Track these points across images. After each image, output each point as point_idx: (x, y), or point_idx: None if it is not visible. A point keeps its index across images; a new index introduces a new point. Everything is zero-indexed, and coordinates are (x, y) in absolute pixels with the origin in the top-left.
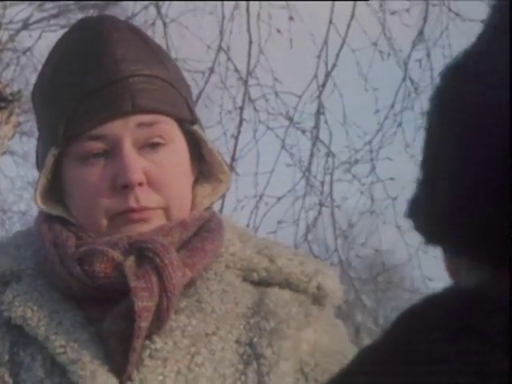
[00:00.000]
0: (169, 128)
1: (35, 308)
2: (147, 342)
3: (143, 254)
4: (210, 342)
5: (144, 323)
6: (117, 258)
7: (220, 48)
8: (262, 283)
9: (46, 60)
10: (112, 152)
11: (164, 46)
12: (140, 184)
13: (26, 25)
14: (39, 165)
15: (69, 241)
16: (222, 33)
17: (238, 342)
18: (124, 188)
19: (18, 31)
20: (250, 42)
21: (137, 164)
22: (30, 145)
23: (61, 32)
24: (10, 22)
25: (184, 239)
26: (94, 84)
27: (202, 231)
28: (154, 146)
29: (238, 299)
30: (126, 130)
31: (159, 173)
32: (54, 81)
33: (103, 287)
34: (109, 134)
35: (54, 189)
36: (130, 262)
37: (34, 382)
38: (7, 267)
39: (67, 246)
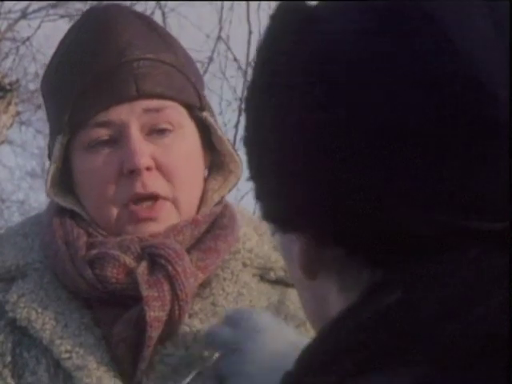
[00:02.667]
0: (176, 114)
1: (40, 310)
2: (159, 347)
3: (155, 260)
4: None
5: (155, 333)
6: (129, 263)
7: (219, 37)
8: (280, 282)
9: (54, 52)
10: (119, 138)
11: None
12: (148, 169)
13: (24, 14)
14: (50, 156)
15: (80, 240)
16: (221, 22)
17: None
18: (131, 173)
19: (16, 21)
20: (250, 32)
21: (144, 149)
22: (28, 134)
23: (60, 22)
24: (9, 11)
25: (196, 236)
26: (98, 70)
27: (215, 228)
28: (161, 131)
29: (253, 302)
30: (132, 115)
31: (168, 158)
32: (59, 70)
33: (114, 292)
34: (115, 119)
35: (65, 180)
36: (142, 269)
37: None
38: (13, 262)
39: (78, 246)
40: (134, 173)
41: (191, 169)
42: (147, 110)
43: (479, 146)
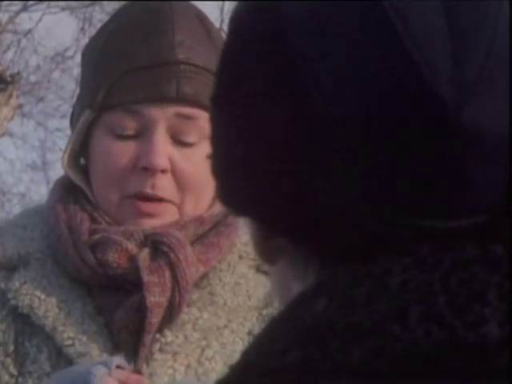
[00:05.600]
0: (207, 126)
1: (43, 297)
2: (158, 336)
3: (158, 247)
4: (222, 335)
5: (155, 319)
6: (131, 249)
7: (221, 29)
8: None
9: (105, 23)
10: (144, 132)
11: None
12: (163, 171)
13: (25, 7)
14: (73, 125)
15: (83, 225)
16: (222, 14)
17: (250, 333)
18: (144, 170)
19: (17, 13)
20: None
21: (165, 150)
22: (29, 127)
23: (61, 14)
24: (10, 4)
25: (199, 234)
26: (146, 60)
27: (219, 225)
28: (187, 141)
29: (250, 292)
30: (163, 114)
31: (185, 166)
32: (107, 46)
33: (115, 277)
34: (145, 113)
35: (81, 154)
36: (144, 255)
37: (40, 374)
38: (14, 251)
39: (81, 231)
40: (147, 171)
41: (205, 179)
42: (179, 115)
43: (429, 146)
